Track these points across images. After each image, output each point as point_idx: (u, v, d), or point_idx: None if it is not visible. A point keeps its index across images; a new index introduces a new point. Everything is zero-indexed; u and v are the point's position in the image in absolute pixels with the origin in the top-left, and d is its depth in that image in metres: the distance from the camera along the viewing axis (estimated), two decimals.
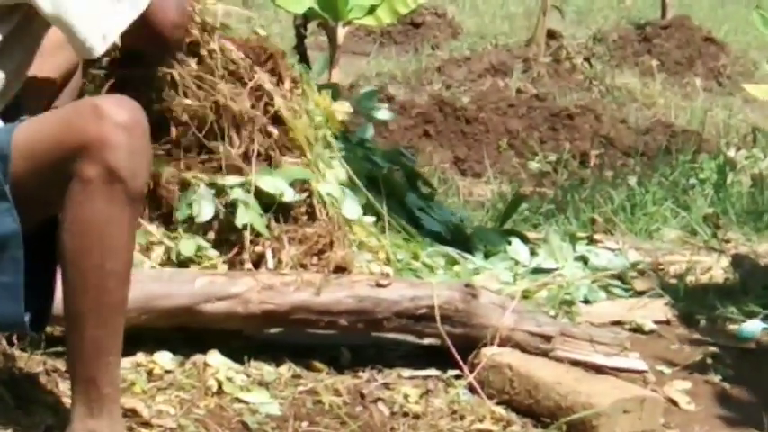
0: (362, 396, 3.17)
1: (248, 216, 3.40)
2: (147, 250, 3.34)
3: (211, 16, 3.41)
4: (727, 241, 5.08)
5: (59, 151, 2.39)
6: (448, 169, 8.18)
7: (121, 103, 2.42)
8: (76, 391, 2.48)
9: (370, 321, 3.26)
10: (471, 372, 3.27)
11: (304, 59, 8.49)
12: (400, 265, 3.89)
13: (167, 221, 3.42)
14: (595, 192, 6.67)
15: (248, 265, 3.41)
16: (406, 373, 3.31)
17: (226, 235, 3.44)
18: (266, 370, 3.18)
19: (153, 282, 3.11)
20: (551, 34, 11.65)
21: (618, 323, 3.91)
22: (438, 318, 3.27)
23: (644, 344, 3.78)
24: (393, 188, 4.41)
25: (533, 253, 4.40)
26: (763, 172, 7.06)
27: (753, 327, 3.93)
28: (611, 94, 10.78)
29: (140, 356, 3.09)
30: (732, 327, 3.98)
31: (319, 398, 3.11)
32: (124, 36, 2.54)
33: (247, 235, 3.41)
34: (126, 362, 3.02)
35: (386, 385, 3.24)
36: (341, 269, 3.51)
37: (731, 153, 7.38)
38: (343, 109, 3.83)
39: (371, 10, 8.30)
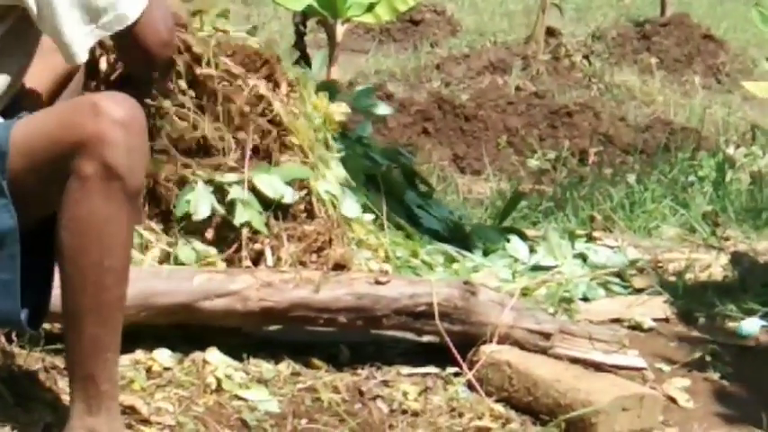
0: (361, 393, 3.17)
1: (247, 214, 3.40)
2: (145, 248, 3.34)
3: (202, 45, 3.42)
4: (726, 239, 5.08)
5: (57, 148, 2.39)
6: (447, 167, 8.18)
7: (119, 101, 2.42)
8: (75, 388, 2.48)
9: (369, 319, 3.26)
10: (470, 369, 3.27)
11: (304, 57, 8.50)
12: (399, 262, 3.89)
13: (166, 219, 3.42)
14: (594, 189, 6.67)
15: (247, 263, 3.41)
16: (405, 370, 3.31)
17: (224, 232, 3.44)
18: (265, 367, 3.18)
19: (152, 279, 3.11)
20: (550, 32, 11.65)
21: (617, 321, 3.91)
22: (437, 315, 3.26)
23: (643, 341, 3.78)
24: (392, 186, 4.41)
25: (532, 250, 4.40)
26: (762, 169, 7.06)
27: (752, 324, 3.93)
28: (611, 92, 10.78)
29: (139, 354, 3.09)
30: (731, 324, 3.98)
31: (318, 395, 3.11)
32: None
33: (246, 232, 3.41)
34: (125, 359, 3.01)
35: (385, 383, 3.24)
36: (340, 267, 3.51)
37: (730, 150, 7.38)
38: (340, 110, 3.83)
39: (370, 7, 8.31)
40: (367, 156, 4.46)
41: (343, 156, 3.95)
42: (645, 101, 10.65)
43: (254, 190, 3.43)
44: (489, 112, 8.99)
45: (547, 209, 6.26)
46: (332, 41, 8.52)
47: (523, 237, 4.55)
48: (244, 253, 3.42)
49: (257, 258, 3.44)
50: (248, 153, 3.44)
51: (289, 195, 3.47)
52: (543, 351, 3.36)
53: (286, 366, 3.21)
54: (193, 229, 3.41)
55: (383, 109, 5.02)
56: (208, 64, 3.42)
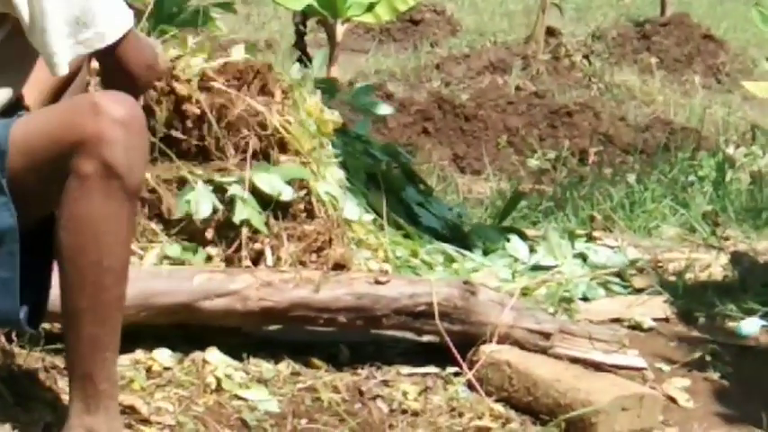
0: (361, 393, 3.17)
1: (246, 213, 3.40)
2: (145, 249, 3.34)
3: (186, 87, 3.45)
4: (726, 239, 5.08)
5: (57, 147, 2.39)
6: (447, 166, 8.18)
7: (120, 100, 2.42)
8: (73, 387, 2.48)
9: (368, 318, 3.26)
10: (470, 369, 3.27)
11: (305, 56, 8.51)
12: (399, 262, 3.89)
13: (165, 220, 3.42)
14: (594, 189, 6.67)
15: (247, 263, 3.41)
16: (405, 370, 3.31)
17: (224, 232, 3.44)
18: (265, 367, 3.18)
19: (152, 279, 3.11)
20: (550, 31, 11.65)
21: (617, 320, 3.91)
22: (437, 315, 3.26)
23: (643, 341, 3.78)
24: (392, 183, 4.41)
25: (532, 250, 4.40)
26: (762, 169, 7.06)
27: (751, 324, 3.93)
28: (611, 92, 10.78)
29: (139, 353, 3.09)
30: (731, 324, 3.98)
31: (318, 395, 3.11)
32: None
33: (246, 232, 3.41)
34: (125, 359, 3.02)
35: (385, 382, 3.24)
36: (340, 266, 3.51)
37: (730, 150, 7.38)
38: (333, 118, 3.83)
39: (370, 7, 8.32)
40: (367, 153, 4.46)
41: (344, 153, 3.95)
42: (645, 101, 10.65)
43: (253, 191, 3.43)
44: (489, 111, 8.99)
45: (547, 209, 6.26)
46: (332, 41, 8.53)
47: (523, 236, 4.55)
48: (244, 253, 3.42)
49: (257, 258, 3.44)
50: (249, 157, 3.46)
51: (287, 193, 3.47)
52: (543, 351, 3.36)
53: (286, 366, 3.21)
54: (193, 229, 3.42)
55: (383, 109, 5.03)
56: (194, 101, 3.46)
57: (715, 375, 3.63)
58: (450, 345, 3.27)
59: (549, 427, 3.15)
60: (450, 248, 4.22)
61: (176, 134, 3.47)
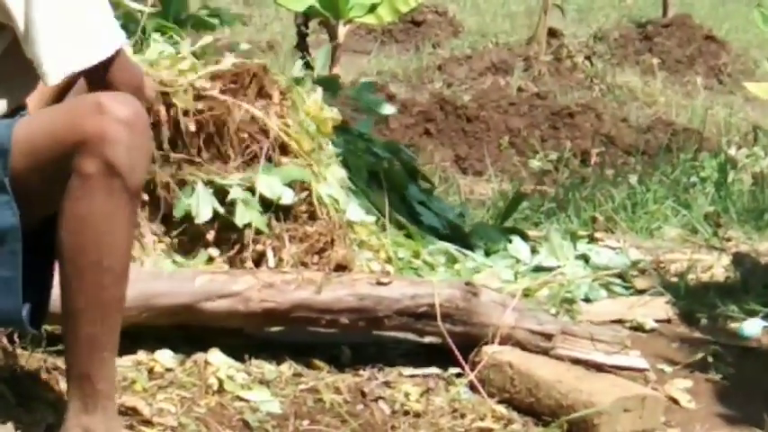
0: (363, 394, 3.17)
1: (248, 214, 3.40)
2: (144, 250, 3.34)
3: (182, 100, 3.45)
4: (728, 240, 5.08)
5: (60, 146, 2.39)
6: (449, 168, 8.18)
7: (123, 100, 2.42)
8: (71, 387, 2.48)
9: (370, 320, 3.26)
10: (472, 370, 3.27)
11: (308, 55, 8.51)
12: (401, 263, 3.89)
13: (167, 222, 3.43)
14: (596, 190, 6.66)
15: (249, 264, 3.41)
16: (407, 371, 3.31)
17: (226, 233, 3.44)
18: (267, 368, 3.18)
19: (153, 280, 3.11)
20: (552, 33, 11.65)
21: (619, 321, 3.91)
22: (439, 316, 3.26)
23: (645, 342, 3.78)
24: (394, 181, 4.40)
25: (534, 251, 4.39)
26: (764, 170, 7.05)
27: (753, 325, 3.93)
28: (612, 93, 10.78)
29: (141, 355, 3.09)
30: (733, 325, 3.98)
31: (320, 396, 3.11)
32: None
33: (248, 233, 3.41)
34: (127, 360, 3.02)
35: (387, 384, 3.24)
36: (342, 267, 3.51)
37: (732, 151, 7.38)
38: (332, 115, 3.83)
39: (372, 8, 8.32)
40: (369, 151, 4.46)
41: (346, 152, 3.94)
42: (647, 102, 10.64)
43: (253, 192, 3.43)
44: (491, 112, 8.99)
45: (549, 210, 6.26)
46: (334, 42, 8.52)
47: (525, 237, 4.55)
48: (246, 254, 3.42)
49: (259, 259, 3.44)
50: (249, 160, 3.46)
51: (287, 196, 3.47)
52: (545, 352, 3.36)
53: (288, 367, 3.21)
54: (195, 230, 3.42)
55: (386, 108, 5.03)
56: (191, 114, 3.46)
57: (717, 376, 3.63)
58: (452, 346, 3.27)
59: (550, 429, 3.15)
60: (452, 249, 4.22)
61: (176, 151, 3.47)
